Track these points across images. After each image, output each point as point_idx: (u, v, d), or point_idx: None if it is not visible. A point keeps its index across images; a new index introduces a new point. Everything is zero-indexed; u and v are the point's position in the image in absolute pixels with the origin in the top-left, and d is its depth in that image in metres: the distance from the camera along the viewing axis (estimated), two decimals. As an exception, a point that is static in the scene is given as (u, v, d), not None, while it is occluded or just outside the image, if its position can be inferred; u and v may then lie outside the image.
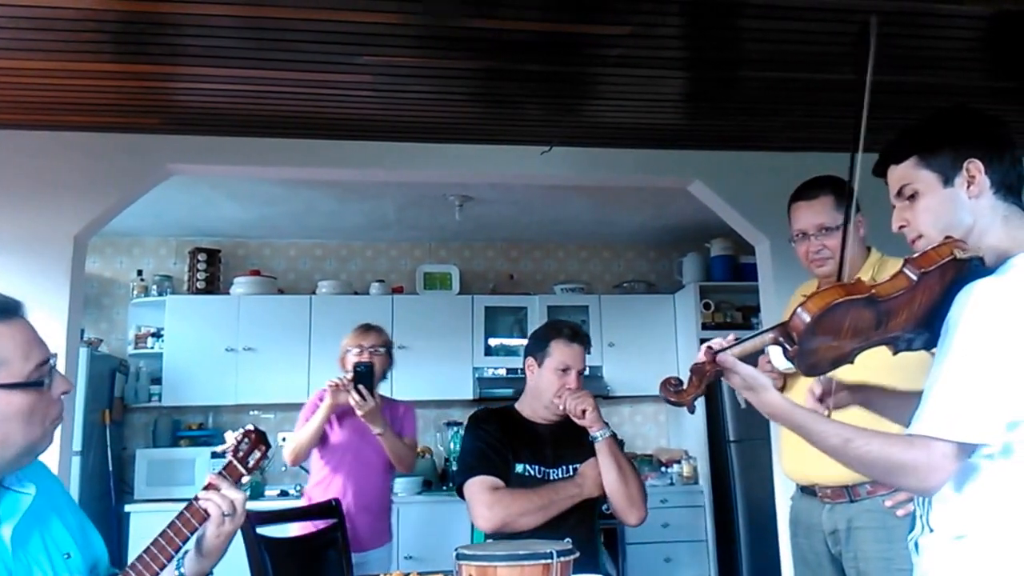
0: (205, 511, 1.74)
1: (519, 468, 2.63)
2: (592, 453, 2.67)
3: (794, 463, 2.61)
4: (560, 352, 2.74)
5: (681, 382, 1.53)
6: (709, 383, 1.53)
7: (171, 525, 1.73)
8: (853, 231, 2.54)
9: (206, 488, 1.77)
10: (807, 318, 1.46)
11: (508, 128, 3.91)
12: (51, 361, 1.58)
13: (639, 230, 6.46)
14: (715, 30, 2.99)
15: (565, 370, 2.71)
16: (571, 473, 2.67)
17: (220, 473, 1.81)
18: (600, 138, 4.06)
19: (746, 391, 1.53)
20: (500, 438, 2.68)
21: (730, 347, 1.52)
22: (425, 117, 3.72)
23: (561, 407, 2.68)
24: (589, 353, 2.81)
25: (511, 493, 2.53)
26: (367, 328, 3.91)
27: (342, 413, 3.65)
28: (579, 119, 3.83)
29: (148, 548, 1.69)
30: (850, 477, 2.38)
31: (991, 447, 1.41)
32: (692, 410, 1.55)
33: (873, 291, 1.49)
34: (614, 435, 2.69)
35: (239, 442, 1.86)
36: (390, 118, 3.73)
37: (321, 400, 3.63)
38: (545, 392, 2.73)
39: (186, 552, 1.77)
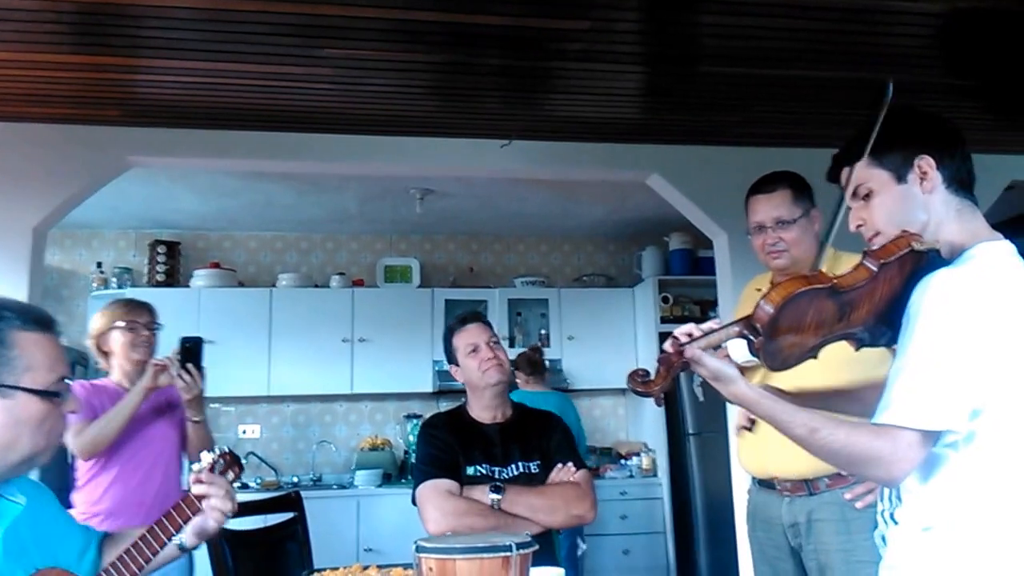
0: (199, 499, 1.78)
1: (470, 470, 2.63)
2: (541, 454, 2.70)
3: (752, 457, 2.63)
4: (461, 339, 2.78)
5: (648, 373, 1.54)
6: (677, 374, 1.54)
7: (166, 515, 1.77)
8: (808, 224, 2.59)
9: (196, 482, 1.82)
10: (770, 309, 1.48)
11: (468, 121, 3.92)
12: (68, 380, 1.64)
13: (599, 224, 6.50)
14: (673, 25, 3.02)
15: (475, 349, 2.75)
16: (525, 470, 2.68)
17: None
18: (560, 132, 4.08)
19: (714, 382, 1.54)
20: (450, 442, 2.69)
21: (696, 339, 1.53)
22: (385, 110, 3.72)
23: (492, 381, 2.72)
24: (488, 324, 2.84)
25: (467, 504, 2.53)
26: (137, 303, 3.30)
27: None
28: (539, 113, 3.84)
29: (143, 535, 1.73)
30: (810, 470, 2.42)
31: (956, 435, 1.43)
32: (660, 402, 1.56)
33: (835, 282, 1.51)
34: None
35: (214, 462, 1.88)
36: (350, 111, 3.72)
37: (92, 386, 3.13)
38: (475, 380, 2.74)
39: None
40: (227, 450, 1.92)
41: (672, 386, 1.55)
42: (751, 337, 1.50)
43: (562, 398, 5.38)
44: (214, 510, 1.80)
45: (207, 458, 1.88)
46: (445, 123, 3.93)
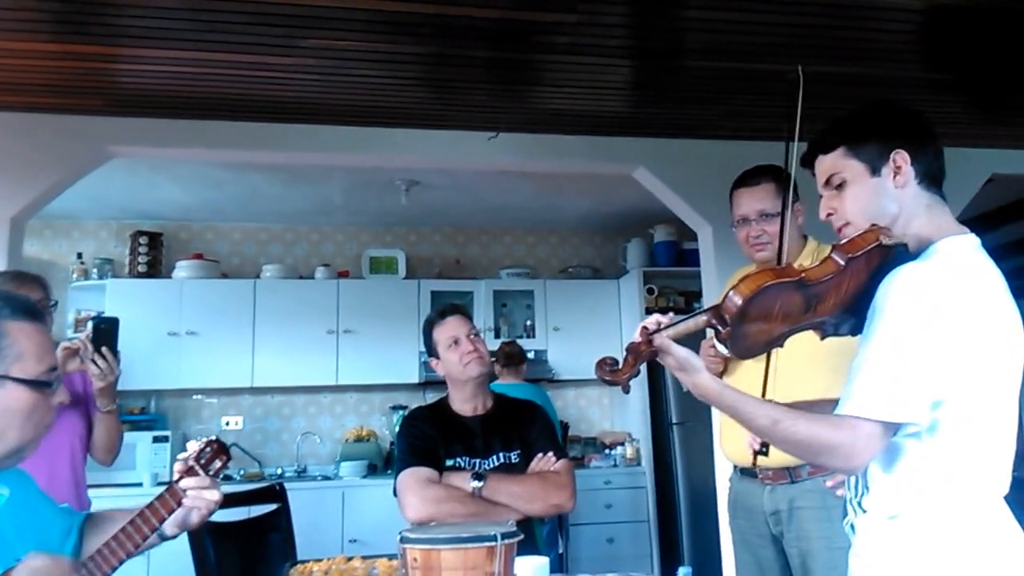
0: (184, 491, 1.77)
1: (450, 462, 2.65)
2: (522, 444, 2.72)
3: (735, 445, 2.65)
4: (441, 332, 2.79)
5: (617, 362, 1.55)
6: (645, 362, 1.55)
7: (148, 506, 1.75)
8: (792, 218, 2.61)
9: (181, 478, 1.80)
10: (739, 300, 1.49)
11: (455, 113, 3.91)
12: (57, 370, 1.64)
13: (585, 216, 6.50)
14: (660, 19, 3.03)
15: (456, 342, 2.76)
16: (506, 461, 2.69)
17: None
18: (547, 124, 4.08)
19: (678, 372, 1.55)
20: (430, 434, 2.71)
21: (665, 328, 1.54)
22: (371, 101, 3.71)
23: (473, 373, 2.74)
24: (468, 317, 2.86)
25: (446, 491, 2.54)
26: (27, 276, 2.88)
27: None
28: (526, 106, 3.85)
29: (124, 528, 1.72)
30: (791, 459, 2.44)
31: (918, 426, 1.46)
32: (627, 390, 1.58)
33: (803, 275, 1.53)
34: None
35: (201, 450, 1.87)
36: (335, 102, 3.71)
37: None
38: (456, 373, 2.76)
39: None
40: (214, 438, 1.91)
41: (639, 374, 1.56)
42: (719, 327, 1.52)
43: (536, 390, 5.39)
44: (197, 506, 1.78)
45: (193, 446, 1.87)
46: (431, 115, 3.92)
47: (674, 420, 5.92)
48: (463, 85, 3.59)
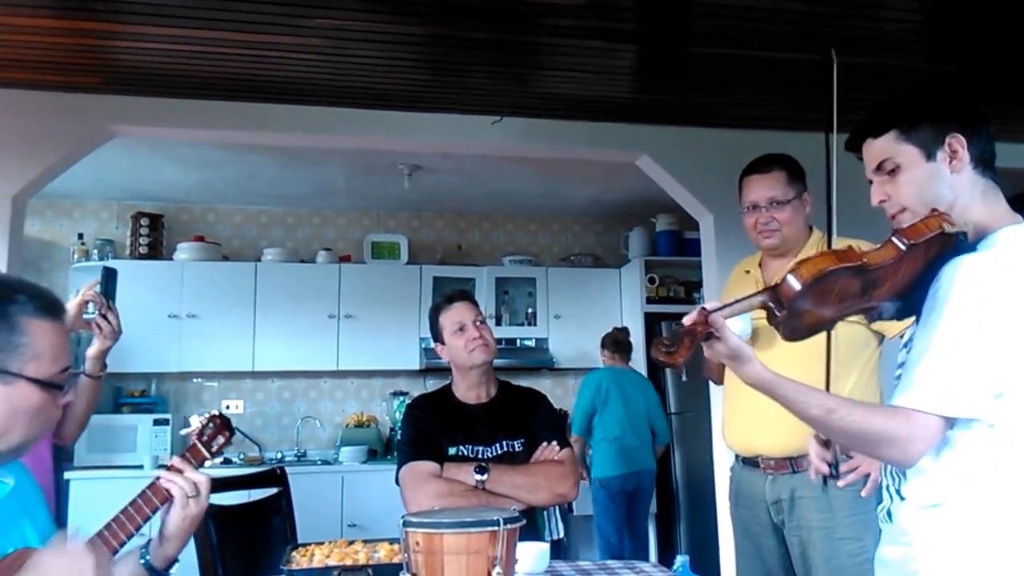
0: (167, 491, 1.73)
1: (452, 451, 2.64)
2: (525, 432, 2.71)
3: (738, 434, 2.66)
4: (447, 318, 2.77)
5: (672, 342, 1.50)
6: (699, 345, 1.51)
7: (131, 503, 1.72)
8: (800, 206, 2.62)
9: (169, 469, 1.76)
10: (798, 286, 1.47)
11: (457, 96, 3.89)
12: (69, 370, 1.61)
13: (587, 204, 6.49)
14: (666, 4, 3.01)
15: (462, 328, 2.74)
16: (509, 449, 2.68)
17: (183, 456, 1.81)
18: (550, 109, 4.06)
19: (730, 361, 1.53)
20: (432, 422, 2.70)
21: (721, 309, 1.51)
22: (374, 83, 3.69)
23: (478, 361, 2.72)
24: (475, 303, 2.84)
25: (449, 485, 2.53)
26: None
27: None
28: (529, 89, 3.82)
29: (108, 524, 1.69)
30: (794, 448, 2.44)
31: (980, 421, 1.43)
32: (683, 374, 1.55)
33: (864, 260, 1.50)
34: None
35: (204, 426, 1.86)
36: (338, 83, 3.68)
37: None
38: (461, 359, 2.74)
39: (149, 541, 1.76)
40: (217, 413, 1.89)
41: (692, 357, 1.51)
42: (776, 310, 1.50)
43: (640, 377, 5.63)
44: (178, 508, 1.73)
45: (196, 421, 1.85)
46: (433, 98, 3.90)
47: (673, 409, 5.94)
48: (466, 67, 3.57)
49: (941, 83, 1.66)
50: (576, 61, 3.46)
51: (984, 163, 1.59)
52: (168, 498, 1.73)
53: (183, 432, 1.84)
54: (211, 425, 1.86)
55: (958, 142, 1.56)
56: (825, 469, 2.24)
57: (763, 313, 1.54)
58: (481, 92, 3.84)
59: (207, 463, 1.86)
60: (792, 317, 1.51)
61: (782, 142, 2.94)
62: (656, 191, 4.67)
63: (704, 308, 1.51)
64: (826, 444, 2.20)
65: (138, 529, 1.70)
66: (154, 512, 1.73)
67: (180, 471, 1.76)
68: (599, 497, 5.37)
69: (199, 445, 1.84)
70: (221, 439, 1.87)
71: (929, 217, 1.52)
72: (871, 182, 1.67)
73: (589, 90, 3.79)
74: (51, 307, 1.58)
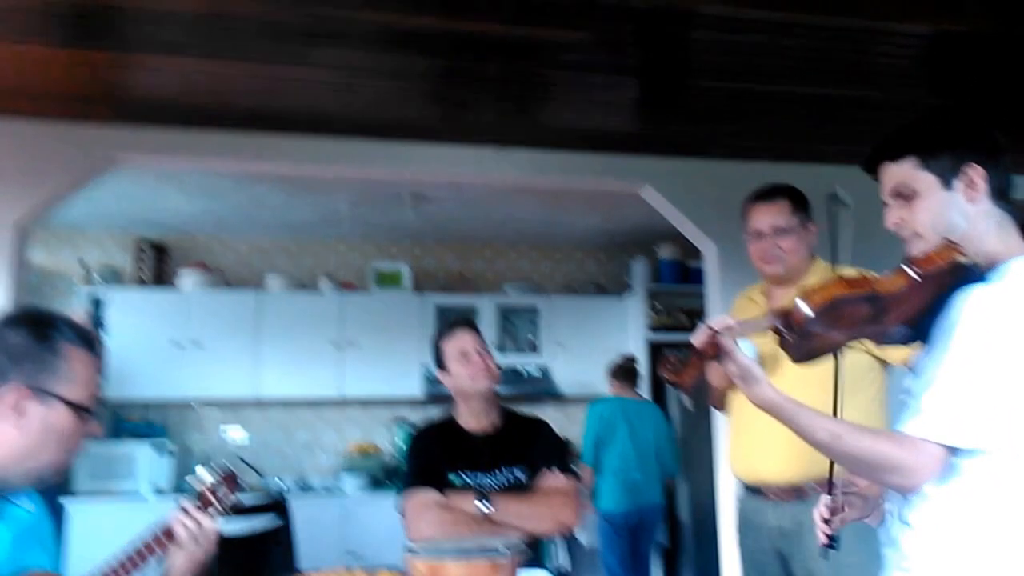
0: (172, 532, 1.76)
1: (455, 479, 2.64)
2: (528, 460, 2.70)
3: (743, 462, 2.66)
4: (450, 345, 2.76)
5: (680, 361, 1.51)
6: (707, 366, 1.51)
7: (136, 543, 1.75)
8: (804, 236, 2.65)
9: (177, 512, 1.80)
10: (809, 313, 1.47)
11: (462, 128, 3.92)
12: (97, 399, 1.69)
13: (590, 233, 6.51)
14: (669, 39, 3.04)
15: (465, 355, 2.73)
16: (511, 477, 2.68)
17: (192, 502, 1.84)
18: (554, 141, 4.08)
19: (740, 381, 1.53)
20: (435, 451, 2.70)
21: (731, 329, 1.51)
22: (379, 115, 3.71)
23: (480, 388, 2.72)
24: (478, 331, 2.83)
25: (452, 515, 2.52)
26: None
27: None
28: (534, 121, 3.86)
29: (110, 565, 1.70)
30: (799, 477, 2.44)
31: (985, 452, 1.43)
32: (691, 395, 1.55)
33: (874, 288, 1.50)
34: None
35: (217, 482, 1.87)
36: (344, 115, 3.71)
37: None
38: (464, 387, 2.73)
39: None
40: (230, 469, 1.91)
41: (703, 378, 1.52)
42: (786, 335, 1.50)
43: (651, 407, 5.59)
44: (181, 553, 1.77)
45: (207, 477, 1.87)
46: (439, 129, 3.92)
47: (677, 435, 5.91)
48: (471, 100, 3.60)
49: (960, 111, 1.64)
50: (580, 94, 3.49)
51: (1001, 194, 1.58)
52: (172, 539, 1.76)
53: (189, 479, 1.86)
54: (223, 486, 1.88)
55: (976, 172, 1.56)
56: (823, 540, 2.23)
57: (769, 339, 1.54)
58: (486, 124, 3.87)
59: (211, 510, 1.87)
60: (802, 340, 1.51)
61: (783, 173, 2.97)
62: (659, 220, 4.69)
63: (712, 328, 1.51)
64: (832, 513, 2.13)
65: (138, 569, 1.73)
66: (156, 552, 1.75)
67: (188, 512, 1.79)
68: (603, 530, 5.33)
69: (207, 493, 1.85)
70: (230, 494, 1.89)
71: (943, 248, 1.52)
72: (886, 204, 1.66)
73: (593, 122, 3.82)
74: (88, 339, 1.68)
